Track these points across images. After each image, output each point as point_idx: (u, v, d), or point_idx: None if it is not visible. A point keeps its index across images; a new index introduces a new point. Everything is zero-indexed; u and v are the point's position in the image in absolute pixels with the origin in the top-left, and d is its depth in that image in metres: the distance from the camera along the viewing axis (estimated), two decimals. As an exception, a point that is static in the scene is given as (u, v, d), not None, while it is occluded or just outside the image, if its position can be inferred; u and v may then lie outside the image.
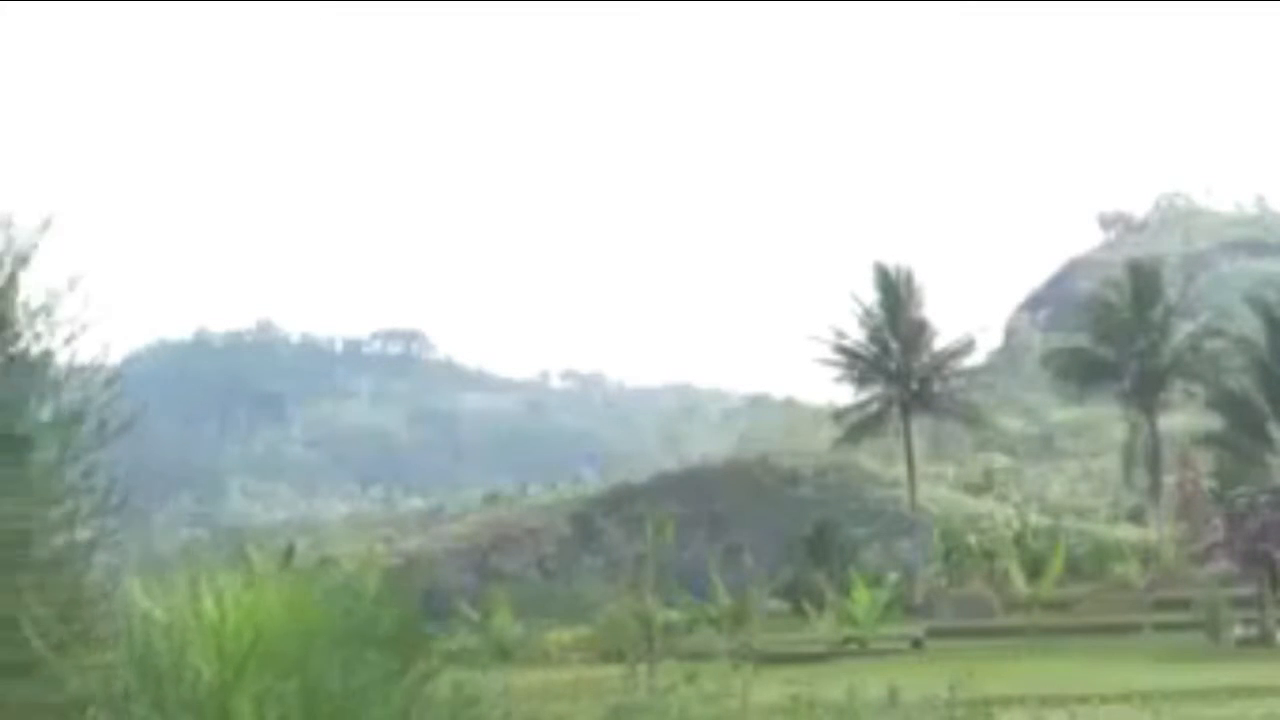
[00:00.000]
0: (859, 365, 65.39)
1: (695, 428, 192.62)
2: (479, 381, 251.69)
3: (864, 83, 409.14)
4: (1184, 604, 41.89)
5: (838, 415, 67.87)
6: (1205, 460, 54.54)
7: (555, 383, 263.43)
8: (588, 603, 46.16)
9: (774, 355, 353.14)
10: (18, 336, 8.58)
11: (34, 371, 8.61)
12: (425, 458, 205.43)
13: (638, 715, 18.95)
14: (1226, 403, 49.88)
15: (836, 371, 66.50)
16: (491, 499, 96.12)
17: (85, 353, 8.94)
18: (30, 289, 8.70)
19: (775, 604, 49.45)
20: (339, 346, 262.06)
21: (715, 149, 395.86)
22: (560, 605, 48.08)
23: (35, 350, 8.64)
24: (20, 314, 8.61)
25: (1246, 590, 39.96)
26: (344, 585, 8.87)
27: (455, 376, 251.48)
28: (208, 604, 7.94)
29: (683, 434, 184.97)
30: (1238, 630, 38.28)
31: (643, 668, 26.78)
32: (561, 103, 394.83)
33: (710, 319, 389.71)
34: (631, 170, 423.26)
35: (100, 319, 8.66)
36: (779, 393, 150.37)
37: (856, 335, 65.52)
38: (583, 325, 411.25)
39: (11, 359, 8.54)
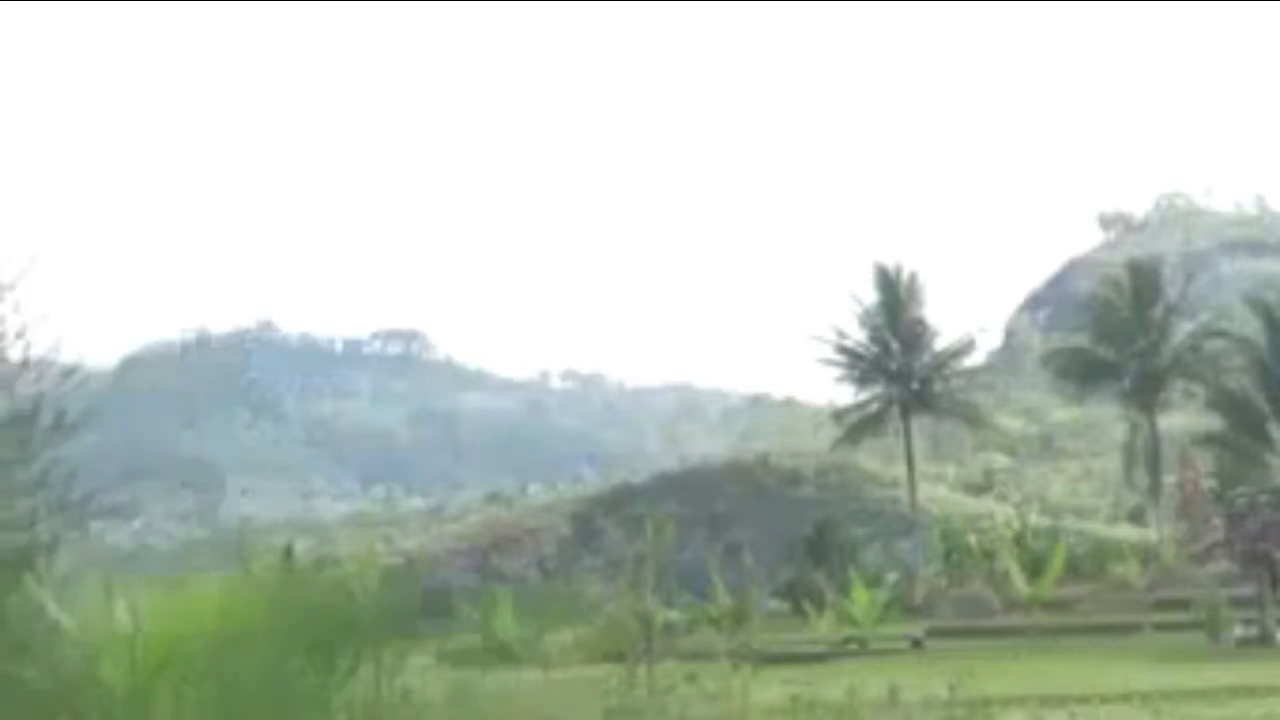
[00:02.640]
0: (859, 365, 65.38)
1: (695, 428, 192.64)
2: (479, 381, 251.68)
3: (864, 83, 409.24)
4: (1184, 604, 41.88)
5: (838, 415, 67.86)
6: (1205, 460, 54.56)
7: (555, 383, 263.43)
8: (588, 603, 46.10)
9: (774, 355, 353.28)
10: None
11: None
12: (425, 458, 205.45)
13: (638, 715, 18.93)
14: (1226, 403, 49.87)
15: (837, 371, 66.52)
16: (491, 499, 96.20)
17: (41, 347, 8.82)
18: None
19: (775, 604, 49.42)
20: (339, 346, 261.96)
21: (715, 149, 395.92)
22: (560, 605, 48.03)
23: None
24: None
25: (1246, 590, 39.96)
26: (279, 586, 8.69)
27: (455, 376, 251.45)
28: (120, 613, 7.75)
29: (683, 434, 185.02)
30: (1238, 630, 38.27)
31: (642, 668, 26.74)
32: (561, 103, 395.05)
33: (710, 319, 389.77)
34: (631, 170, 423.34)
35: (52, 312, 8.56)
36: (779, 393, 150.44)
37: (857, 335, 65.53)
38: (583, 325, 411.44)
39: None
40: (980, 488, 73.74)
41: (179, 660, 7.40)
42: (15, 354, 8.89)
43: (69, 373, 8.94)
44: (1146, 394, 60.35)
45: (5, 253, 8.85)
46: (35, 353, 9.02)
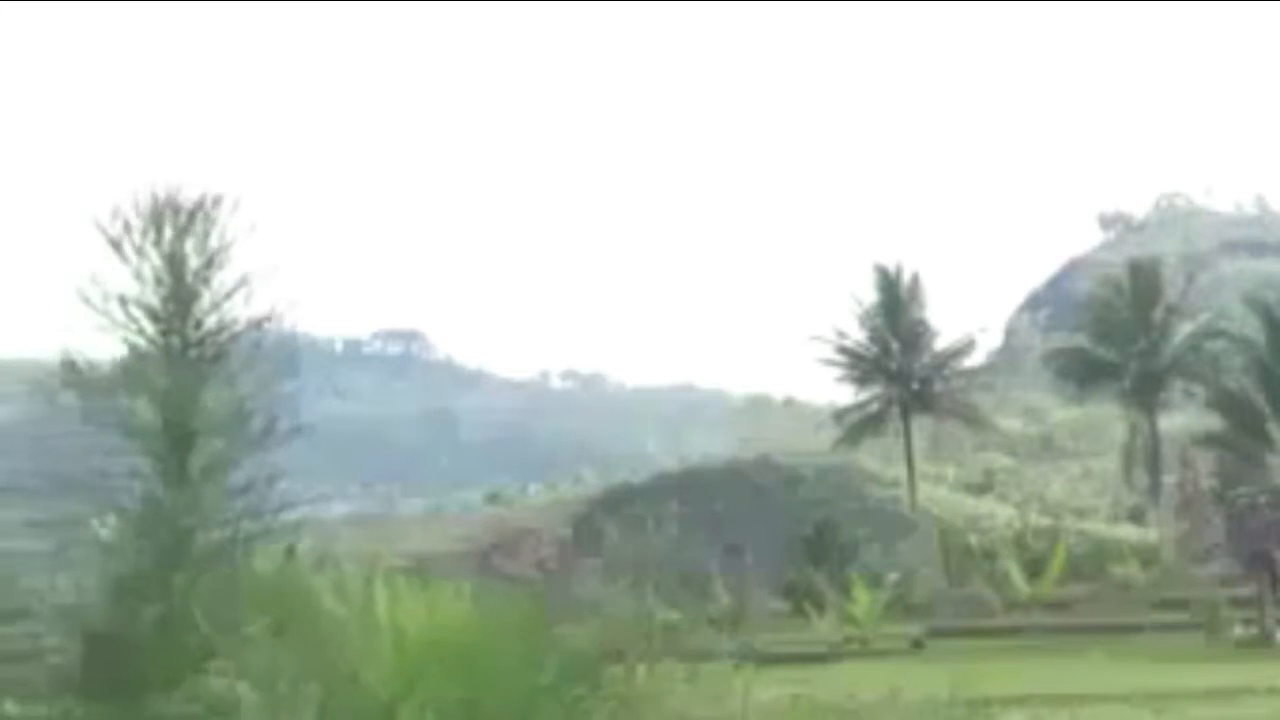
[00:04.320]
0: (859, 366, 65.50)
1: (695, 428, 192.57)
2: (479, 381, 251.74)
3: (864, 82, 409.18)
4: (1184, 604, 41.92)
5: (838, 415, 68.00)
6: (1205, 460, 54.55)
7: (555, 383, 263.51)
8: (588, 603, 46.10)
9: (774, 355, 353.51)
10: (199, 325, 8.50)
11: (211, 362, 8.50)
12: (425, 458, 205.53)
13: (638, 715, 18.92)
14: (1226, 403, 49.92)
15: (837, 372, 66.66)
16: (491, 499, 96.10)
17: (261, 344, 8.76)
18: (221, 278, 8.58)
19: (775, 604, 49.41)
20: (339, 346, 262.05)
21: (715, 149, 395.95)
22: (560, 605, 48.04)
23: (214, 340, 8.53)
24: (207, 302, 8.52)
25: (1246, 590, 40.00)
26: (516, 605, 8.39)
27: (455, 376, 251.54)
28: (382, 605, 7.50)
29: (683, 434, 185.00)
30: (1238, 630, 38.31)
31: (642, 668, 26.73)
32: (561, 103, 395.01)
33: (711, 319, 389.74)
34: (631, 170, 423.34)
35: (286, 309, 8.48)
36: (779, 393, 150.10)
37: (857, 335, 65.65)
38: (583, 325, 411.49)
39: (188, 348, 8.43)
40: (980, 488, 73.69)
41: (436, 665, 7.11)
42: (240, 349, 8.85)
43: (282, 372, 8.90)
44: (1146, 394, 60.43)
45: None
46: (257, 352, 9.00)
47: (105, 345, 8.63)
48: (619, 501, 70.12)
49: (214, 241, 8.57)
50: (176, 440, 8.28)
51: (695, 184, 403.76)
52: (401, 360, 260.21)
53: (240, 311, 8.62)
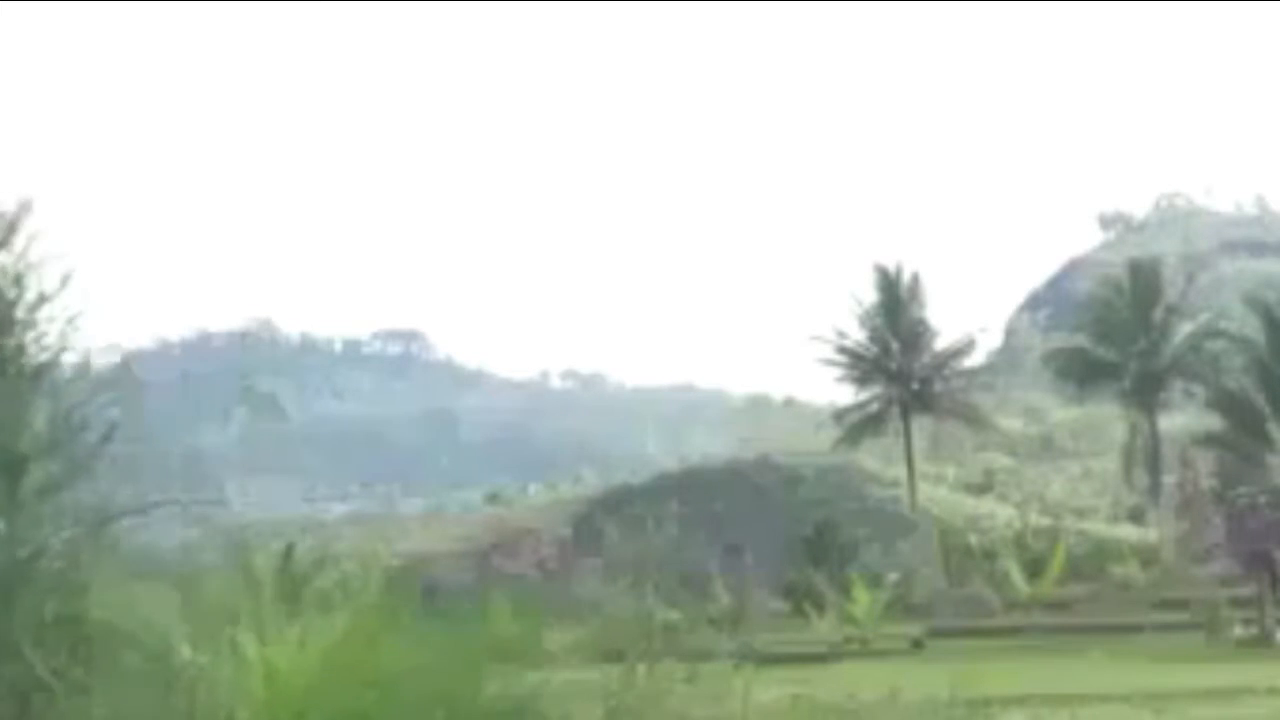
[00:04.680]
0: (859, 365, 65.50)
1: (695, 428, 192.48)
2: (479, 381, 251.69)
3: (864, 82, 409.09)
4: (1184, 604, 41.92)
5: (838, 415, 67.98)
6: (1205, 460, 54.55)
7: (555, 383, 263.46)
8: (588, 603, 46.10)
9: (774, 355, 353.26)
10: (16, 343, 7.99)
11: (33, 378, 7.99)
12: (425, 458, 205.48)
13: (638, 715, 18.92)
14: (1226, 403, 49.86)
15: (837, 372, 66.65)
16: (491, 499, 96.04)
17: (80, 353, 8.27)
18: (29, 288, 8.09)
19: (775, 604, 49.42)
20: (339, 346, 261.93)
21: (715, 149, 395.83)
22: (560, 605, 48.01)
23: (33, 355, 8.00)
24: (20, 315, 8.01)
25: (1246, 590, 40.01)
26: (410, 635, 7.92)
27: (455, 376, 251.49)
28: (249, 649, 7.04)
29: (683, 434, 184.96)
30: (1238, 630, 38.32)
31: (642, 668, 26.72)
32: (561, 102, 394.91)
33: (711, 319, 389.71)
34: (631, 170, 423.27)
35: (96, 315, 8.02)
36: (779, 393, 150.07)
37: (857, 335, 65.64)
38: (583, 325, 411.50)
39: (6, 365, 7.91)
40: (980, 488, 73.66)
41: (323, 699, 6.71)
42: (64, 349, 8.29)
43: (115, 379, 8.38)
44: (1146, 394, 60.41)
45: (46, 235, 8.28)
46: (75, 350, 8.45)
47: None
48: (619, 501, 70.07)
49: (20, 250, 8.07)
50: (5, 464, 7.75)
51: (695, 184, 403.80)
52: (401, 360, 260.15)
53: (54, 318, 8.10)
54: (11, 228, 8.11)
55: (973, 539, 57.68)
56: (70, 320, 8.00)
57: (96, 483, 7.96)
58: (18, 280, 8.02)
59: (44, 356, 8.05)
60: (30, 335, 8.02)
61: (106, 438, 7.86)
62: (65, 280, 8.04)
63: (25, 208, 8.22)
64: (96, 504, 7.85)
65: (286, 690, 6.82)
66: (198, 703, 6.87)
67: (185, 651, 7.19)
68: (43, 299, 8.07)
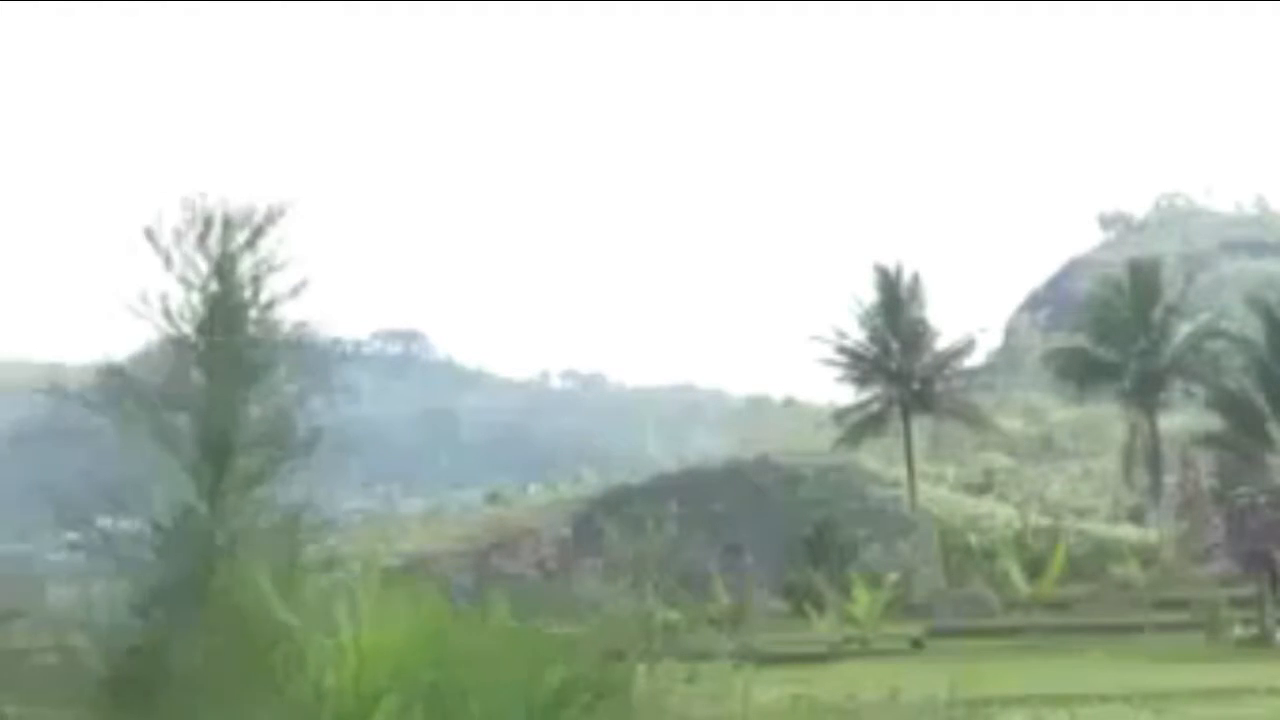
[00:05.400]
0: (860, 366, 65.52)
1: (695, 428, 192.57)
2: (479, 381, 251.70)
3: (864, 82, 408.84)
4: (1184, 604, 41.93)
5: (838, 415, 68.01)
6: (1205, 460, 54.61)
7: (555, 383, 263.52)
8: (588, 603, 46.12)
9: (774, 355, 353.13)
10: (245, 333, 8.35)
11: (253, 371, 8.33)
12: (425, 458, 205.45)
13: (637, 715, 18.91)
14: (1226, 403, 49.90)
15: (837, 372, 66.68)
16: (491, 499, 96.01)
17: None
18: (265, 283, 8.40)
19: (775, 604, 49.43)
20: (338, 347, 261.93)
21: (715, 149, 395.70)
22: (560, 605, 48.03)
23: (256, 350, 8.36)
24: (254, 311, 8.37)
25: (1246, 590, 40.02)
26: (476, 615, 8.17)
27: (455, 376, 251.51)
28: (341, 615, 7.30)
29: (683, 434, 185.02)
30: (1238, 630, 38.33)
31: (642, 668, 26.74)
32: (561, 102, 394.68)
33: (711, 319, 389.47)
34: (631, 170, 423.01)
35: (325, 314, 8.31)
36: (779, 393, 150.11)
37: (857, 335, 65.65)
38: (583, 325, 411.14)
39: (232, 357, 8.27)
40: (980, 488, 73.67)
41: (406, 675, 6.94)
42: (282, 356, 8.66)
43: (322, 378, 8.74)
44: (1146, 394, 60.41)
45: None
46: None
47: (137, 353, 8.52)
48: (619, 501, 70.03)
49: (264, 250, 8.48)
50: (214, 452, 8.16)
51: (695, 184, 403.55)
52: (401, 360, 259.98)
53: (283, 319, 8.50)
54: (259, 231, 8.47)
55: (973, 539, 57.70)
56: (300, 324, 8.39)
57: (292, 483, 8.39)
58: (255, 281, 8.39)
59: (264, 354, 8.42)
60: (257, 329, 8.40)
61: (314, 440, 8.32)
62: (298, 287, 8.42)
63: (272, 212, 8.58)
64: (294, 501, 8.28)
65: (374, 663, 7.04)
66: (290, 665, 7.10)
67: (284, 616, 7.48)
68: (270, 302, 8.44)
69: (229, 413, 8.12)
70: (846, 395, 69.29)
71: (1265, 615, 38.32)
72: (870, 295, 65.07)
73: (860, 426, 65.02)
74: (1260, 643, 37.04)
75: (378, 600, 7.55)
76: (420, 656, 7.15)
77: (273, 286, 8.62)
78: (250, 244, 8.49)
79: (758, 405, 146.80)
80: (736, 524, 63.82)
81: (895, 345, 64.41)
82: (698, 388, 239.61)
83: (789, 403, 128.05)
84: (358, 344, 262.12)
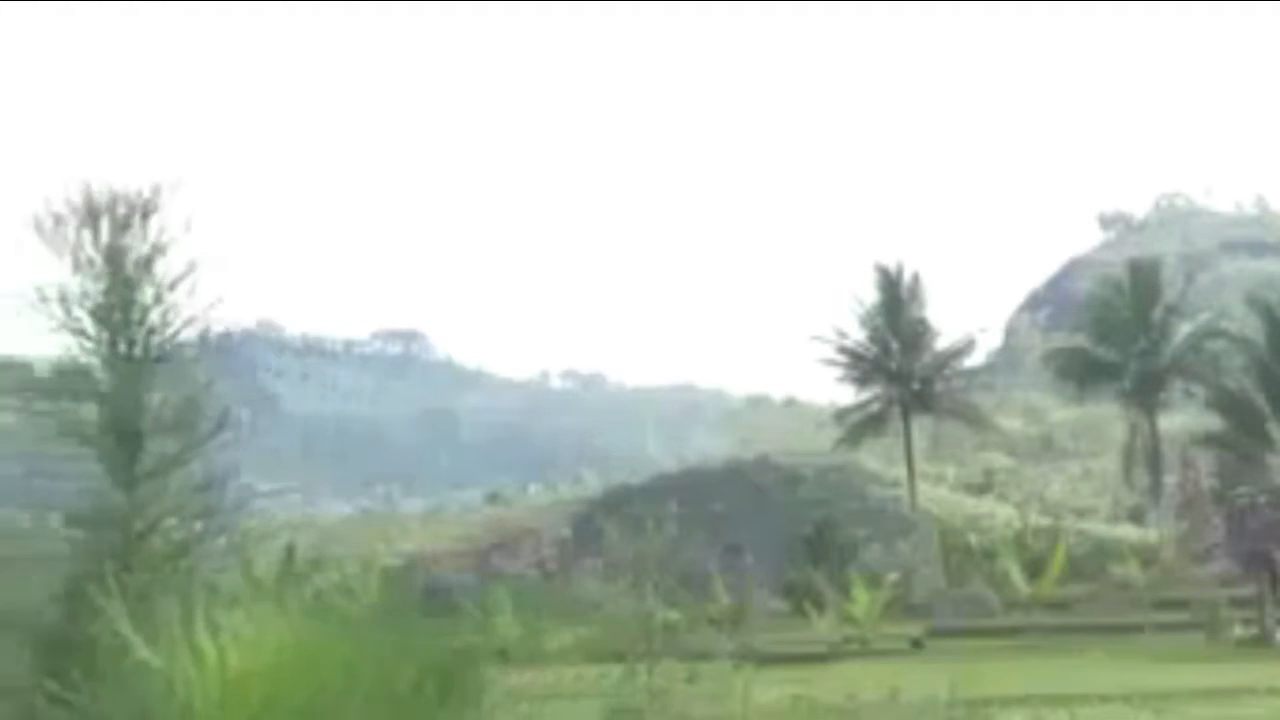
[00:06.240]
0: (860, 366, 65.51)
1: (695, 428, 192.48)
2: (479, 381, 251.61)
3: (864, 82, 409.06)
4: (1184, 604, 41.92)
5: (838, 415, 68.00)
6: (1205, 460, 54.62)
7: (555, 383, 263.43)
8: (588, 603, 46.10)
9: (774, 355, 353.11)
10: (142, 322, 8.27)
11: (156, 360, 8.27)
12: (425, 458, 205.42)
13: (638, 715, 18.95)
14: (1226, 403, 49.87)
15: (838, 372, 66.67)
16: (491, 499, 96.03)
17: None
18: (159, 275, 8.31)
19: (775, 604, 49.42)
20: (339, 347, 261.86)
21: (715, 149, 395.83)
22: (560, 605, 48.03)
23: (157, 337, 8.30)
24: (149, 297, 8.29)
25: (1246, 590, 40.00)
26: (358, 623, 8.04)
27: (455, 376, 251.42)
28: (203, 641, 6.98)
29: (683, 434, 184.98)
30: (1238, 630, 38.31)
31: (642, 668, 26.74)
32: (561, 102, 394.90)
33: (711, 319, 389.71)
34: (631, 170, 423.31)
35: (221, 303, 8.21)
36: (779, 393, 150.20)
37: (857, 335, 65.64)
38: (583, 325, 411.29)
39: (132, 346, 8.21)
40: (980, 488, 73.65)
41: (277, 699, 6.66)
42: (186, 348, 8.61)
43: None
44: (1146, 394, 60.40)
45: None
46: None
47: (37, 345, 8.47)
48: (619, 501, 69.97)
49: (155, 234, 8.31)
50: (123, 441, 8.07)
51: (695, 184, 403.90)
52: (401, 360, 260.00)
53: (184, 306, 8.40)
54: (144, 213, 8.33)
55: (973, 539, 57.67)
56: (210, 305, 8.32)
57: (209, 464, 8.37)
58: (148, 265, 8.29)
59: (166, 339, 8.34)
60: (155, 315, 8.32)
61: (222, 422, 8.29)
62: (192, 265, 8.31)
63: (158, 193, 8.43)
64: (206, 484, 8.24)
65: (242, 689, 6.78)
66: (153, 698, 6.82)
67: (141, 651, 7.17)
68: (171, 284, 8.33)
69: (133, 399, 8.04)
70: (847, 395, 69.32)
71: (1265, 615, 38.30)
72: (871, 295, 65.10)
73: (860, 426, 65.01)
74: (1260, 643, 37.02)
75: (248, 618, 7.23)
76: (291, 676, 6.86)
77: (167, 270, 8.46)
78: (128, 227, 8.28)
79: (758, 405, 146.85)
80: (736, 524, 63.81)
81: (895, 345, 64.39)
82: (698, 388, 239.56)
83: (789, 403, 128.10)
84: (358, 343, 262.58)
